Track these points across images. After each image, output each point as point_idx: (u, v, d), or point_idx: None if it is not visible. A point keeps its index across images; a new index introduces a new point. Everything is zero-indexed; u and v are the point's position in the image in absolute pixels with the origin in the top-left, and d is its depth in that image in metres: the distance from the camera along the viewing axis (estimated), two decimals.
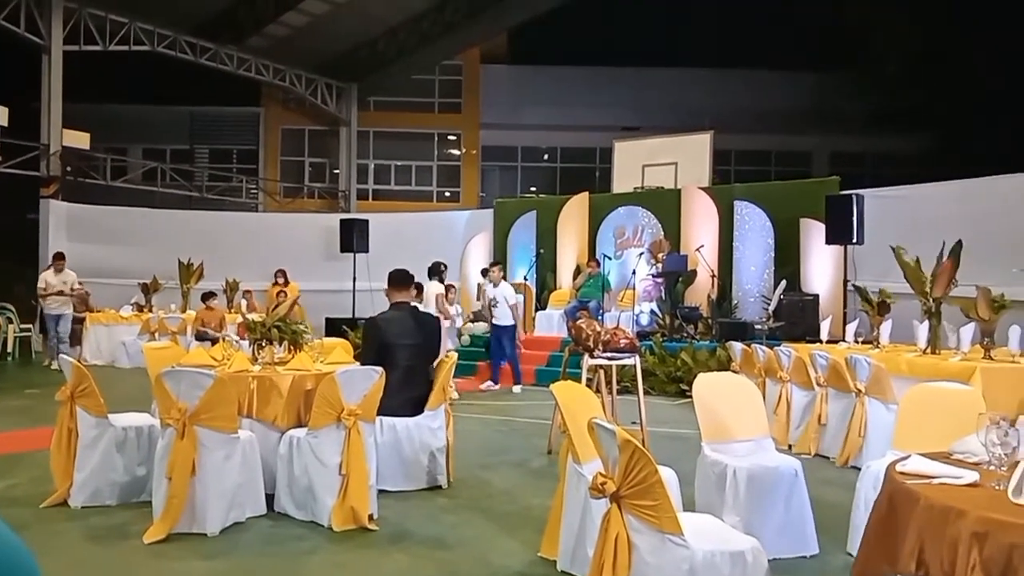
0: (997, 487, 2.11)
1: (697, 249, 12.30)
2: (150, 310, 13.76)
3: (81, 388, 4.71)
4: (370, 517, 4.38)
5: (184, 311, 13.63)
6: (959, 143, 19.68)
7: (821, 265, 11.57)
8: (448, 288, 10.60)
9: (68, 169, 16.57)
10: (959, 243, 6.36)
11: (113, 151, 20.56)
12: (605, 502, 2.69)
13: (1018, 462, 2.13)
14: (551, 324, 12.65)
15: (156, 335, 12.45)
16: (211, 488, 4.18)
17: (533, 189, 25.02)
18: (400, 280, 5.72)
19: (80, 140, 16.85)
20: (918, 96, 20.63)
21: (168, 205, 19.04)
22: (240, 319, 9.13)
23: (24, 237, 16.49)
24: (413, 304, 5.78)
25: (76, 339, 12.95)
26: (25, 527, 4.28)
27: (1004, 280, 6.73)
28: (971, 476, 2.21)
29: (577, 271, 13.17)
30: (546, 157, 26.60)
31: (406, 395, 5.22)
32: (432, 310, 9.66)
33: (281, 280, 14.26)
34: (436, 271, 10.35)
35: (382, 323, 5.44)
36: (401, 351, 5.29)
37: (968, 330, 6.39)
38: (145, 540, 4.04)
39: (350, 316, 14.21)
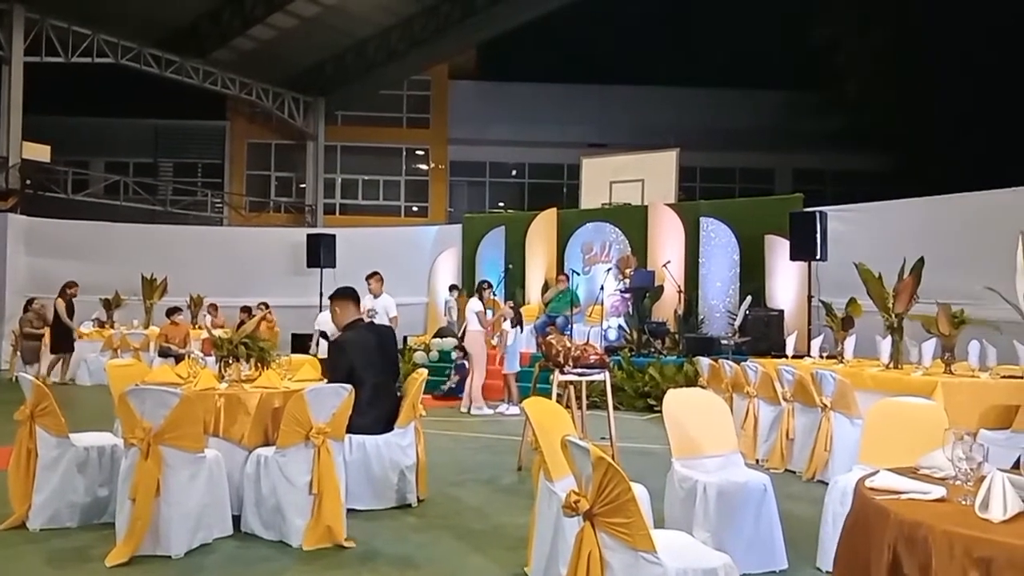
0: (964, 502, 2.15)
1: (664, 265, 12.41)
2: (112, 326, 13.51)
3: (41, 407, 4.59)
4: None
5: (147, 327, 13.40)
6: (920, 161, 20.09)
7: (786, 281, 11.72)
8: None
9: (28, 182, 16.29)
10: (921, 260, 6.49)
11: (74, 164, 20.23)
12: (578, 520, 2.68)
13: (983, 477, 2.17)
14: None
15: (118, 352, 12.24)
16: (176, 509, 4.10)
17: (501, 204, 25.11)
18: (350, 296, 5.70)
19: (40, 153, 16.58)
20: (880, 115, 21.06)
21: (131, 219, 18.75)
22: (205, 335, 9.00)
23: None
24: (368, 320, 5.82)
25: (35, 356, 12.64)
26: None
27: (964, 296, 6.86)
28: (939, 491, 2.24)
29: (545, 287, 13.20)
30: (514, 173, 26.71)
31: (376, 413, 5.19)
32: (475, 326, 10.12)
33: (266, 311, 13.45)
34: (477, 289, 10.65)
35: (347, 345, 5.37)
36: (368, 370, 5.25)
37: (929, 345, 6.53)
38: (107, 563, 3.94)
39: None
